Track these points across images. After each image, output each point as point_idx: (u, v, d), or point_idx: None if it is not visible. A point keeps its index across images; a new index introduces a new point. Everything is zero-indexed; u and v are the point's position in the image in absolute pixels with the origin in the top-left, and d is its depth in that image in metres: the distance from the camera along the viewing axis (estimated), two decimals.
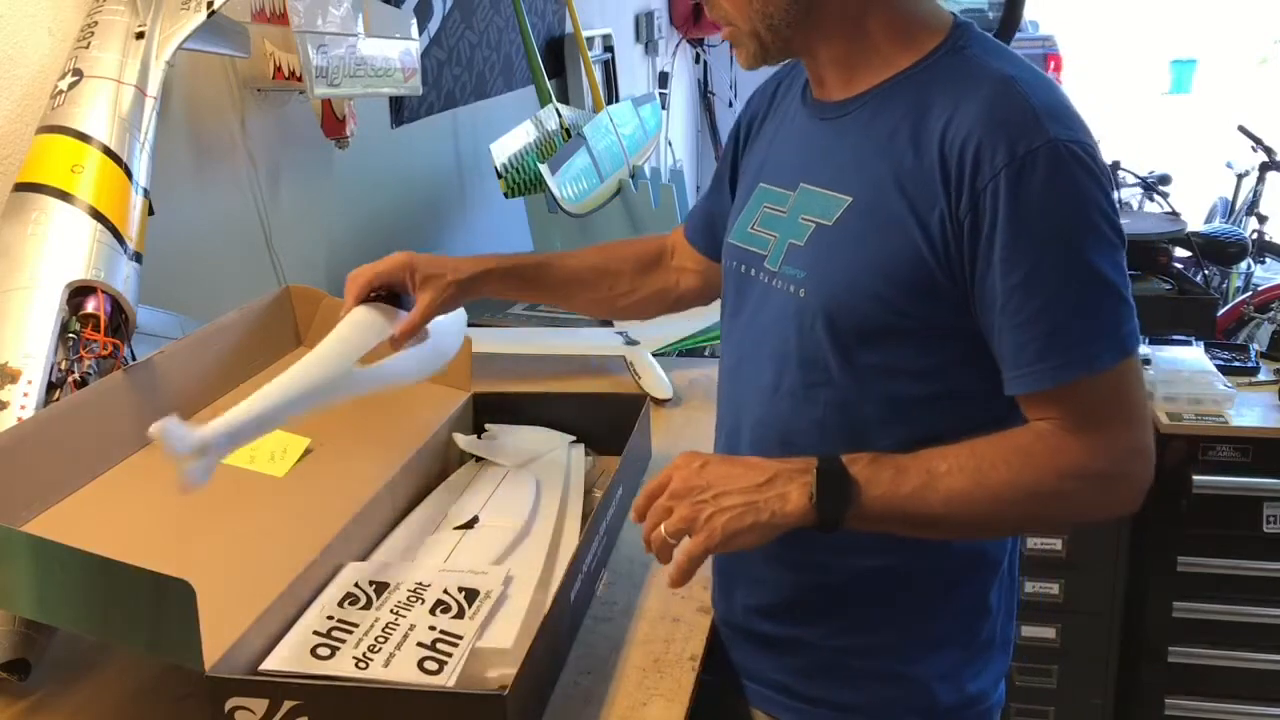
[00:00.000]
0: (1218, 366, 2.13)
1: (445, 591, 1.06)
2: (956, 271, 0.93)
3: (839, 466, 0.92)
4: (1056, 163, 0.88)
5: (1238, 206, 4.67)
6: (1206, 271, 3.01)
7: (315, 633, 1.00)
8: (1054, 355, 0.90)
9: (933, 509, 0.92)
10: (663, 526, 0.93)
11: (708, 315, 1.97)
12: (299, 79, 1.64)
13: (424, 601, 1.04)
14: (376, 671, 0.94)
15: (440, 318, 1.20)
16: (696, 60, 5.61)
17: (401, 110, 2.36)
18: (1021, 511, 0.96)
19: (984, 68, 0.94)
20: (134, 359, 1.28)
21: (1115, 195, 0.97)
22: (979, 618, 1.07)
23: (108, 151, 1.25)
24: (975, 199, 0.90)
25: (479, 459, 1.41)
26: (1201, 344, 2.25)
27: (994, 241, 0.90)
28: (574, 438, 1.47)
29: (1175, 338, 2.26)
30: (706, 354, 2.09)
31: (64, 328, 1.17)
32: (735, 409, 1.12)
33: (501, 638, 0.99)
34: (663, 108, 3.92)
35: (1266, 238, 4.15)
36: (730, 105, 5.70)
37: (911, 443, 0.95)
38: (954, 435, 0.96)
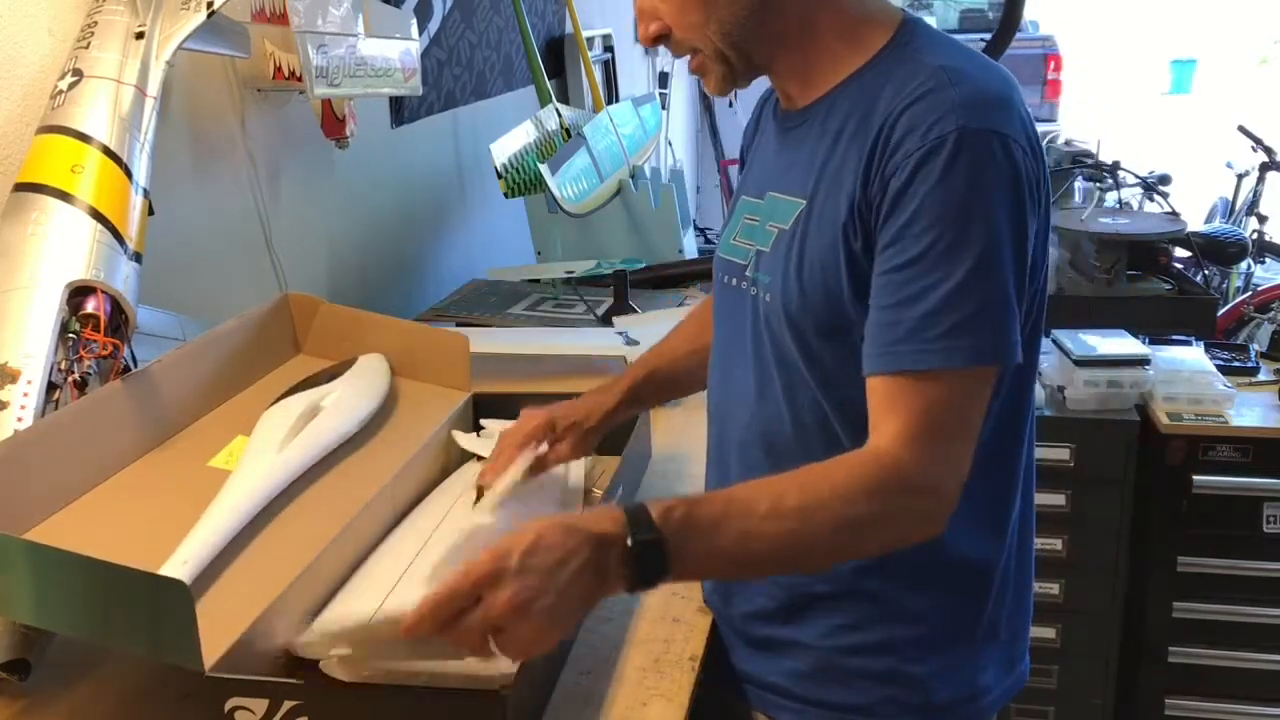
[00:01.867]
0: (1218, 366, 2.13)
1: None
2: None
3: (651, 536, 0.82)
4: (960, 150, 0.88)
5: (1238, 206, 4.67)
6: (1206, 271, 3.01)
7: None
8: (918, 339, 0.89)
9: (756, 555, 0.88)
10: (492, 642, 0.80)
11: None
12: (299, 79, 1.64)
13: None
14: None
15: None
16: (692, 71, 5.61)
17: (401, 110, 2.36)
18: (850, 543, 0.92)
19: (921, 62, 0.95)
20: (134, 359, 1.28)
21: (1033, 192, 0.92)
22: (974, 615, 1.07)
23: (108, 152, 1.25)
24: (885, 183, 0.91)
25: (480, 458, 1.41)
26: (1201, 344, 2.25)
27: (890, 223, 0.91)
28: None
29: (1175, 338, 2.27)
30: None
31: (64, 328, 1.17)
32: (723, 415, 1.13)
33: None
34: (663, 108, 3.92)
35: (1266, 238, 4.15)
36: (730, 105, 5.70)
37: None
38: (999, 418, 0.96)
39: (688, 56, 1.04)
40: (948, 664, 1.07)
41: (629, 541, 0.82)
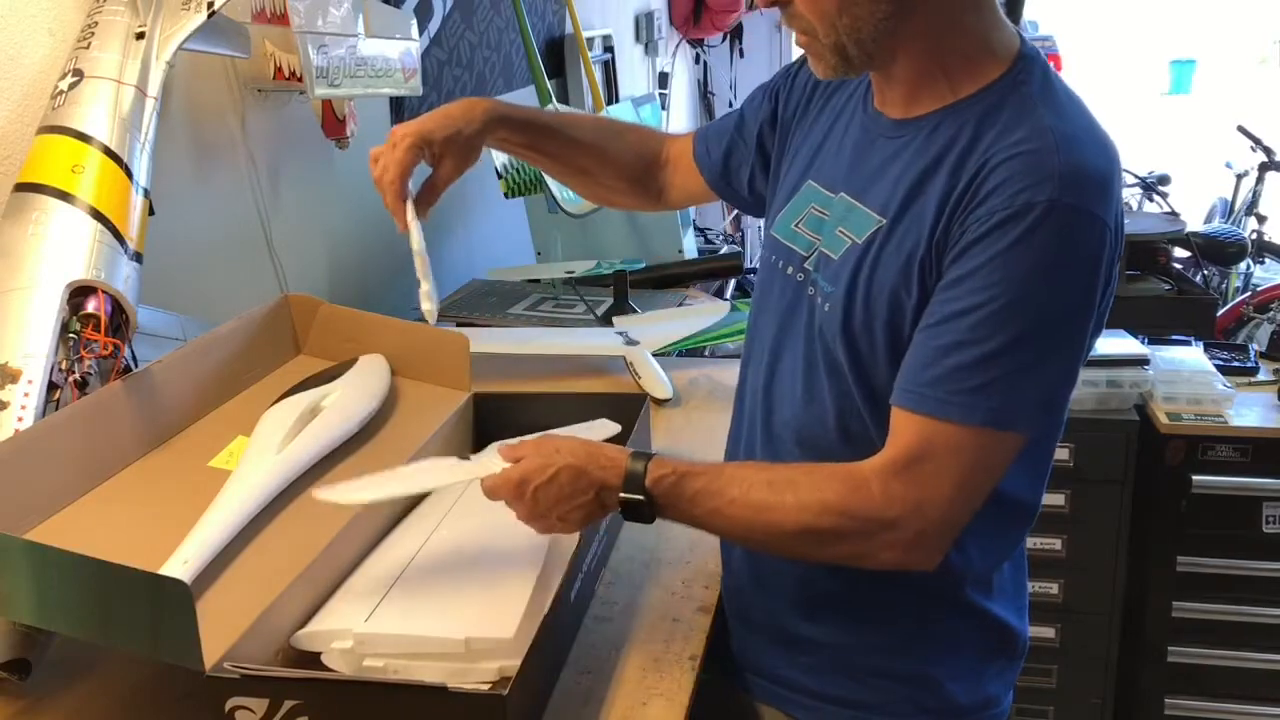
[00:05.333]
0: (1217, 366, 2.14)
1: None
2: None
3: (639, 498, 0.98)
4: (1046, 223, 0.87)
5: (1237, 207, 4.67)
6: (1206, 271, 3.01)
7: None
8: (942, 388, 0.90)
9: (722, 530, 1.02)
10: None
11: (708, 315, 1.97)
12: (299, 79, 1.64)
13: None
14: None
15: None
16: (696, 60, 5.61)
17: (402, 110, 2.36)
18: (800, 548, 0.98)
19: (1031, 111, 0.93)
20: (134, 359, 1.28)
21: (1110, 280, 0.93)
22: (991, 621, 1.08)
23: (108, 152, 1.25)
24: (963, 229, 0.91)
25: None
26: (1201, 344, 2.26)
27: (955, 268, 0.91)
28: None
29: (1175, 338, 2.27)
30: (706, 354, 2.09)
31: (64, 328, 1.17)
32: (760, 400, 1.12)
33: (503, 628, 1.00)
34: (663, 108, 3.92)
35: (1266, 238, 4.15)
36: (730, 105, 5.70)
37: None
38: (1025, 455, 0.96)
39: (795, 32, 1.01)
40: (963, 668, 1.07)
41: (621, 496, 0.98)
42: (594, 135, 1.32)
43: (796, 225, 1.08)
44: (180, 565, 1.00)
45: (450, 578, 1.11)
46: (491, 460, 1.05)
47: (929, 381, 0.91)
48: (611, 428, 1.27)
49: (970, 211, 0.90)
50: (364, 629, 1.01)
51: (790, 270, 1.07)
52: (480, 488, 1.03)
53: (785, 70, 1.20)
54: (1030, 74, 0.96)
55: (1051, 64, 1.00)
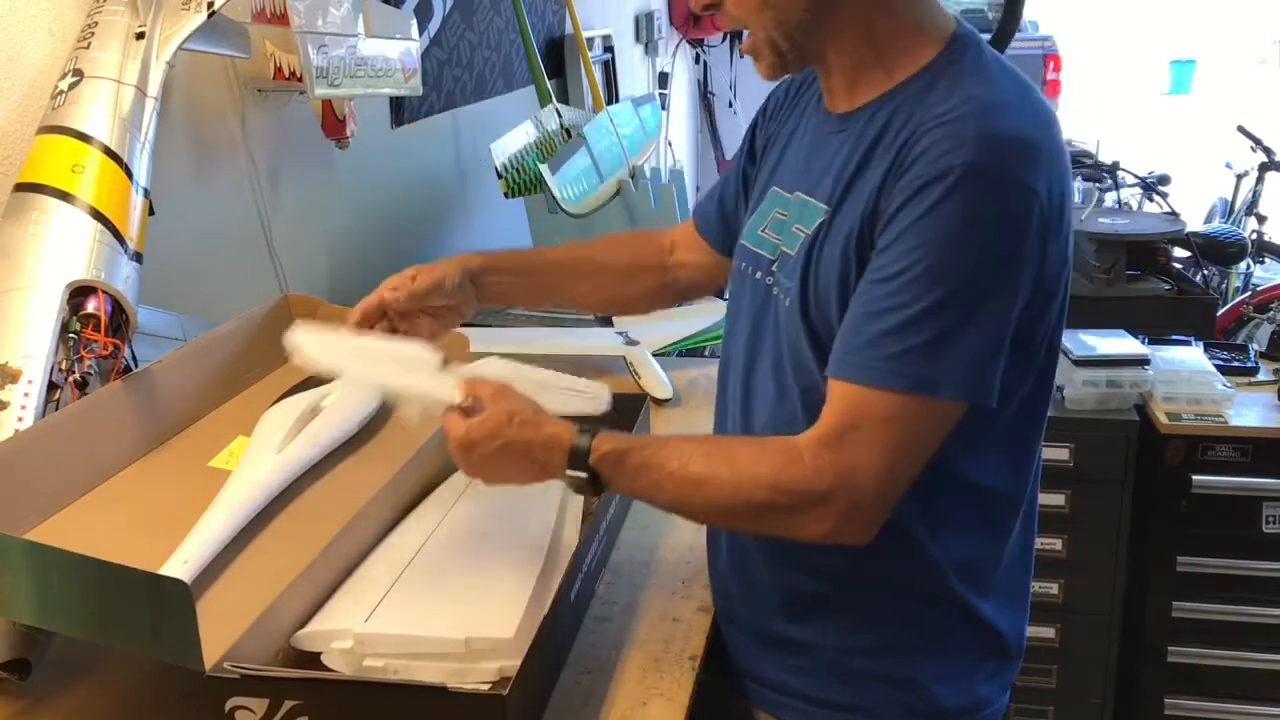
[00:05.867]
0: (1217, 366, 2.13)
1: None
2: None
3: (583, 476, 0.98)
4: (963, 185, 0.87)
5: (1237, 207, 4.67)
6: (1206, 271, 3.01)
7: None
8: (869, 354, 0.90)
9: (663, 503, 1.02)
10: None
11: (708, 315, 1.97)
12: (299, 79, 1.64)
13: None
14: None
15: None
16: (696, 60, 5.61)
17: (401, 110, 2.36)
18: (735, 520, 1.02)
19: (959, 84, 0.94)
20: (134, 359, 1.28)
21: (1039, 243, 0.91)
22: (981, 623, 1.07)
23: (108, 152, 1.25)
24: (890, 201, 0.92)
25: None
26: (1201, 344, 2.25)
27: (883, 239, 0.92)
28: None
29: (1175, 338, 2.27)
30: (706, 354, 2.09)
31: (64, 328, 1.17)
32: (739, 411, 1.13)
33: (503, 628, 1.00)
34: (663, 108, 3.92)
35: (1266, 238, 4.15)
36: (730, 105, 5.70)
37: (939, 455, 0.96)
38: (952, 447, 0.96)
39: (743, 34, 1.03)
40: (951, 670, 1.07)
41: (567, 473, 0.99)
42: (582, 249, 1.34)
43: (763, 231, 1.09)
44: (180, 565, 1.00)
45: (450, 578, 1.11)
46: (451, 386, 1.03)
47: (855, 349, 0.91)
48: (603, 397, 1.27)
49: (896, 182, 0.92)
50: (364, 629, 1.01)
51: (759, 275, 1.08)
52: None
53: (761, 107, 1.22)
54: (963, 52, 0.97)
55: (984, 42, 1.01)
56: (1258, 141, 4.37)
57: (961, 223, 0.88)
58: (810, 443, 0.93)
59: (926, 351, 0.89)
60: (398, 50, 1.90)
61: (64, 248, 1.18)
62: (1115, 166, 3.19)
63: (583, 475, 0.98)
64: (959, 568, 1.04)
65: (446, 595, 1.07)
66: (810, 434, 0.94)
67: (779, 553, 1.07)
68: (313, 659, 1.01)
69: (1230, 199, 4.82)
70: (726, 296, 1.26)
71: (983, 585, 1.07)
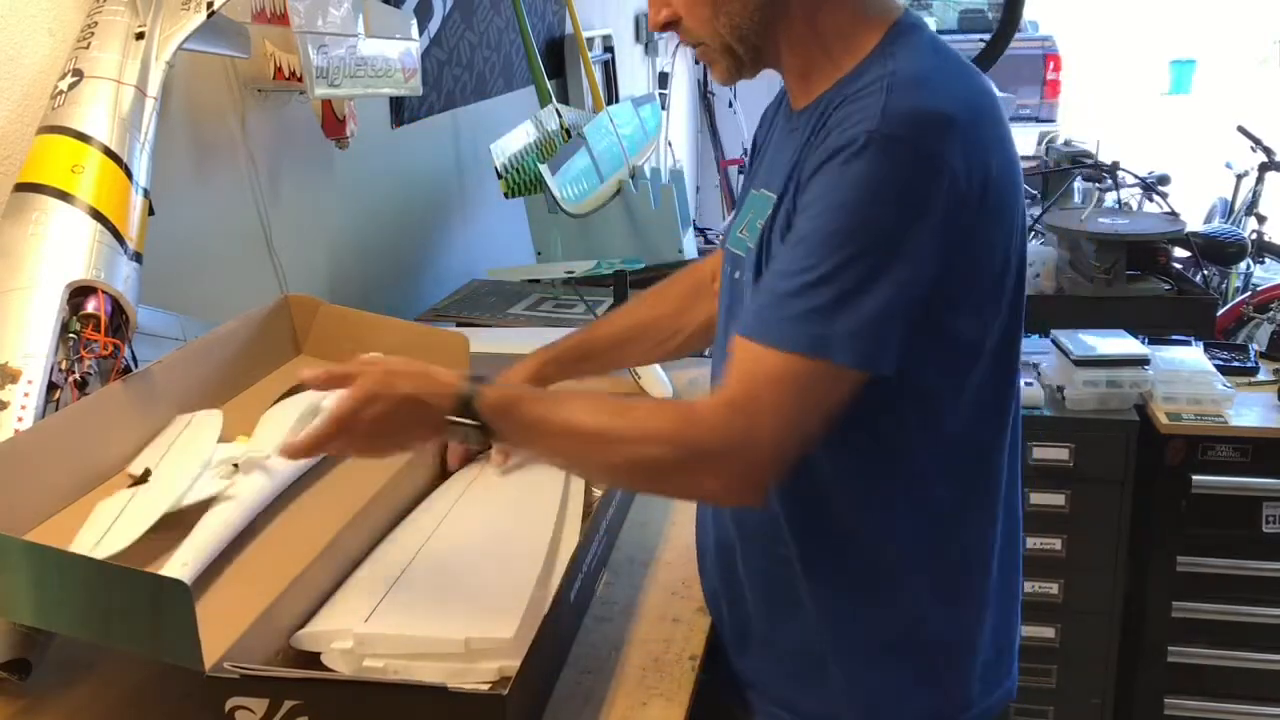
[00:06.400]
0: (1217, 366, 2.13)
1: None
2: None
3: (475, 424, 0.96)
4: (864, 152, 0.88)
5: (1237, 207, 4.66)
6: (1206, 271, 3.01)
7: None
8: (770, 314, 0.91)
9: (557, 460, 1.03)
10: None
11: None
12: (299, 79, 1.64)
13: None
14: None
15: None
16: (696, 60, 5.60)
17: (401, 110, 2.36)
18: (626, 479, 1.05)
19: (884, 64, 0.94)
20: (134, 359, 1.28)
21: (944, 214, 0.89)
22: (957, 624, 1.07)
23: (108, 152, 1.25)
24: (804, 172, 0.94)
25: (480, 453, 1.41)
26: (1201, 344, 2.25)
27: (795, 206, 0.93)
28: None
29: (1175, 338, 2.26)
30: (706, 354, 2.08)
31: (64, 328, 1.17)
32: None
33: (502, 629, 1.00)
34: (663, 108, 3.92)
35: (1266, 238, 4.14)
36: (730, 105, 5.70)
37: (876, 444, 0.98)
38: (923, 438, 0.97)
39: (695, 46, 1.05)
40: (932, 674, 1.07)
41: (449, 419, 0.97)
42: (629, 317, 1.37)
43: (740, 232, 1.10)
44: (180, 567, 1.00)
45: (450, 578, 1.11)
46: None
47: (761, 308, 0.92)
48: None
49: (812, 153, 0.93)
50: (364, 629, 1.01)
51: (739, 274, 1.09)
52: (287, 450, 1.01)
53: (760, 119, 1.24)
54: (899, 38, 0.98)
55: (925, 26, 1.02)
56: (1258, 141, 4.37)
57: (863, 190, 0.89)
58: (710, 401, 0.94)
59: (823, 314, 0.89)
60: (398, 50, 1.90)
61: (64, 248, 1.18)
62: (1115, 166, 3.19)
63: (471, 423, 0.96)
64: (944, 570, 1.05)
65: (446, 595, 1.07)
66: (716, 393, 0.94)
67: (763, 553, 1.07)
68: (313, 659, 1.01)
69: (1230, 199, 4.81)
70: None
71: (966, 591, 1.07)
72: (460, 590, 1.08)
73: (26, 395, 1.10)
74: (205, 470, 1.16)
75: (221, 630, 0.92)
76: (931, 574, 1.05)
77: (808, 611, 1.06)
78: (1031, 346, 2.23)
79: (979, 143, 0.91)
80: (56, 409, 1.14)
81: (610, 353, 1.35)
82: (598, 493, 1.36)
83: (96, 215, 1.22)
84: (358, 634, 1.00)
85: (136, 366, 1.28)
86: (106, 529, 1.05)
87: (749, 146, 1.27)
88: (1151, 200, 3.28)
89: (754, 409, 0.91)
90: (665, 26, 1.04)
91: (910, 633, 1.06)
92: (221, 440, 1.27)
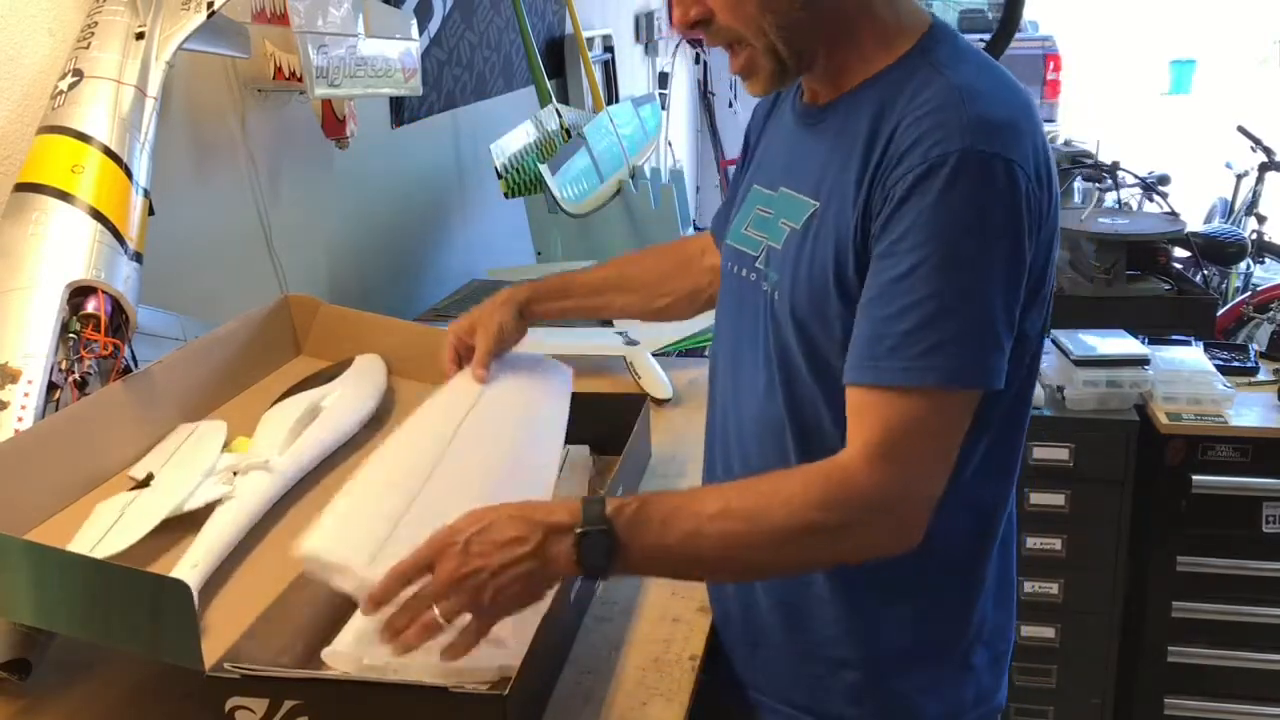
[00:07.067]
0: (1217, 366, 2.13)
1: None
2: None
3: (602, 527, 0.88)
4: (962, 171, 0.87)
5: (1237, 207, 4.67)
6: (1206, 271, 3.01)
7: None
8: (896, 356, 0.89)
9: (703, 555, 0.92)
10: (437, 611, 0.88)
11: (707, 316, 1.97)
12: (299, 79, 1.64)
13: None
14: None
15: None
16: (696, 60, 5.61)
17: (401, 110, 2.36)
18: (795, 552, 0.93)
19: (939, 74, 0.94)
20: (134, 359, 1.28)
21: (1035, 223, 0.91)
22: (964, 630, 1.07)
23: (108, 152, 1.25)
24: (885, 195, 0.91)
25: None
26: (1201, 344, 2.25)
27: (885, 235, 0.91)
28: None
29: (1175, 338, 2.26)
30: (706, 354, 2.09)
31: (64, 328, 1.17)
32: (727, 406, 1.13)
33: (503, 629, 0.99)
34: (663, 108, 3.92)
35: (1266, 238, 4.15)
36: (730, 105, 5.70)
37: None
38: (979, 436, 0.96)
39: (726, 52, 1.02)
40: (932, 680, 1.07)
41: (578, 530, 0.88)
42: (618, 266, 1.37)
43: (746, 229, 1.09)
44: (190, 569, 1.00)
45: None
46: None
47: (883, 354, 0.90)
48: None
49: (888, 176, 0.91)
50: (368, 573, 0.97)
51: (744, 273, 1.08)
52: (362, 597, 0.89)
53: (753, 110, 1.22)
54: (936, 42, 0.98)
55: (959, 34, 1.01)
56: (1258, 141, 4.37)
57: (964, 211, 0.88)
58: (858, 457, 0.90)
59: (951, 345, 0.88)
60: (398, 50, 1.90)
61: (64, 248, 1.18)
62: (1115, 166, 3.19)
63: (601, 528, 0.88)
64: (945, 577, 1.04)
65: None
66: (855, 449, 0.91)
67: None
68: (313, 659, 1.01)
69: (1230, 199, 4.82)
70: None
71: (967, 594, 1.06)
72: None
73: (26, 395, 1.10)
74: (207, 478, 1.16)
75: (222, 630, 0.92)
76: (974, 574, 1.06)
77: (831, 617, 1.06)
78: None
79: (1040, 148, 0.93)
80: (56, 409, 1.14)
81: (591, 297, 1.33)
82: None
83: (96, 215, 1.22)
84: (361, 578, 0.95)
85: (136, 366, 1.28)
86: (106, 531, 1.05)
87: (746, 138, 1.24)
88: (1151, 200, 3.28)
89: (903, 454, 0.90)
90: (694, 26, 0.99)
91: (943, 634, 1.06)
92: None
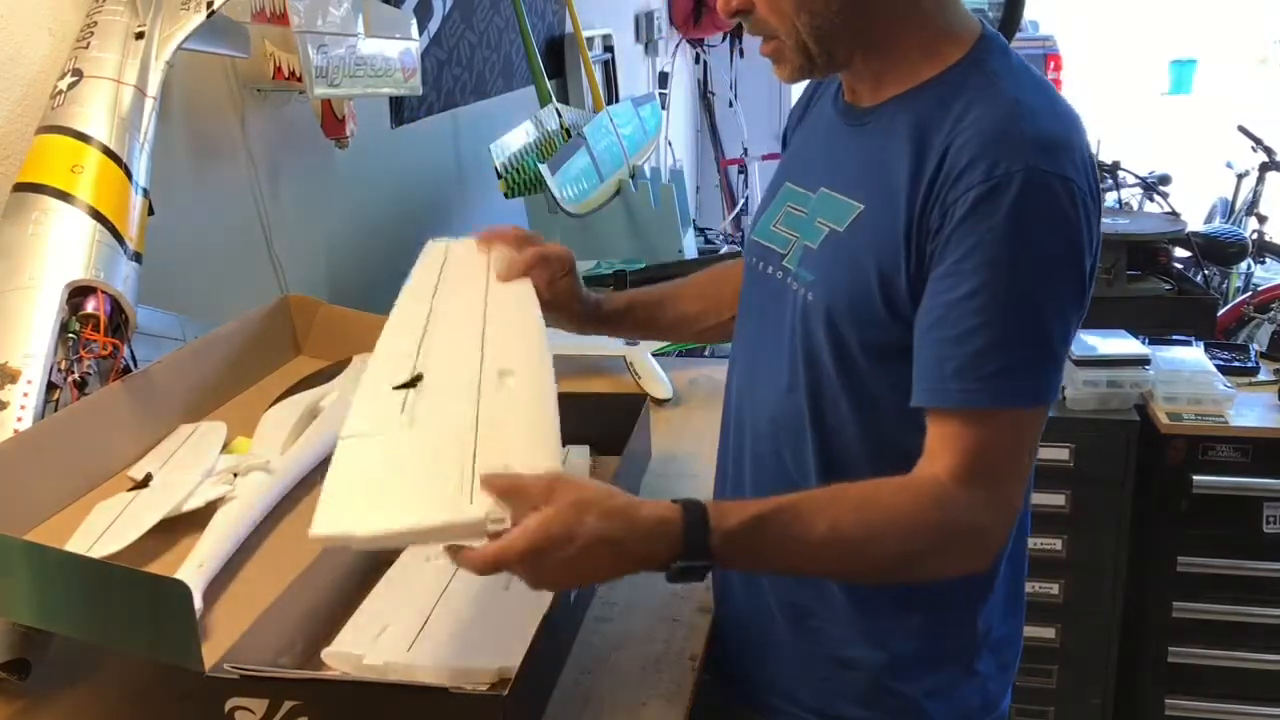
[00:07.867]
0: (1218, 366, 2.13)
1: None
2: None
3: (705, 563, 0.86)
4: (1027, 191, 0.87)
5: (1238, 206, 4.67)
6: (1206, 271, 3.01)
7: None
8: (968, 378, 0.89)
9: (805, 571, 0.97)
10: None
11: None
12: (299, 79, 1.64)
13: None
14: None
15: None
16: (696, 60, 5.61)
17: (401, 110, 2.36)
18: (897, 574, 0.96)
19: (995, 86, 0.93)
20: (134, 359, 1.28)
21: (1091, 239, 0.92)
22: (971, 637, 1.07)
23: (107, 152, 1.25)
24: (945, 212, 0.90)
25: None
26: (1201, 344, 2.25)
27: (947, 253, 0.90)
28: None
29: (1175, 338, 2.26)
30: (706, 354, 2.09)
31: (64, 328, 1.17)
32: (744, 403, 1.12)
33: (502, 629, 0.99)
34: (663, 108, 3.92)
35: (1266, 238, 4.15)
36: (731, 105, 5.70)
37: (908, 453, 0.95)
38: None
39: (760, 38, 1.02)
40: (940, 684, 1.07)
41: (677, 565, 0.86)
42: (699, 288, 1.34)
43: (775, 226, 1.09)
44: (195, 569, 1.00)
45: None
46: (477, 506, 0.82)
47: (954, 375, 0.90)
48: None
49: (948, 191, 0.91)
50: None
51: (770, 269, 1.08)
52: (461, 559, 0.83)
53: (789, 113, 1.22)
54: (989, 53, 0.97)
55: (1009, 45, 1.01)
56: (1258, 141, 4.37)
57: (1030, 229, 0.88)
58: (952, 481, 0.90)
59: (1023, 365, 0.90)
60: (397, 50, 1.90)
61: (63, 248, 1.18)
62: (1115, 166, 3.19)
63: (704, 564, 0.87)
64: (955, 583, 1.04)
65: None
66: (944, 471, 0.91)
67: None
68: (313, 659, 1.01)
69: (1231, 199, 4.82)
70: None
71: (976, 601, 1.06)
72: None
73: (26, 395, 1.10)
74: (206, 479, 1.16)
75: (222, 630, 0.92)
76: (984, 583, 1.06)
77: (841, 619, 1.06)
78: None
79: (1090, 161, 0.93)
80: (56, 409, 1.14)
81: (649, 308, 1.32)
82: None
83: (96, 215, 1.22)
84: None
85: (136, 366, 1.28)
86: (104, 530, 1.05)
87: (748, 145, 1.24)
88: (1152, 200, 3.28)
89: (994, 476, 0.91)
90: (736, 14, 0.99)
91: (952, 640, 1.06)
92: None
